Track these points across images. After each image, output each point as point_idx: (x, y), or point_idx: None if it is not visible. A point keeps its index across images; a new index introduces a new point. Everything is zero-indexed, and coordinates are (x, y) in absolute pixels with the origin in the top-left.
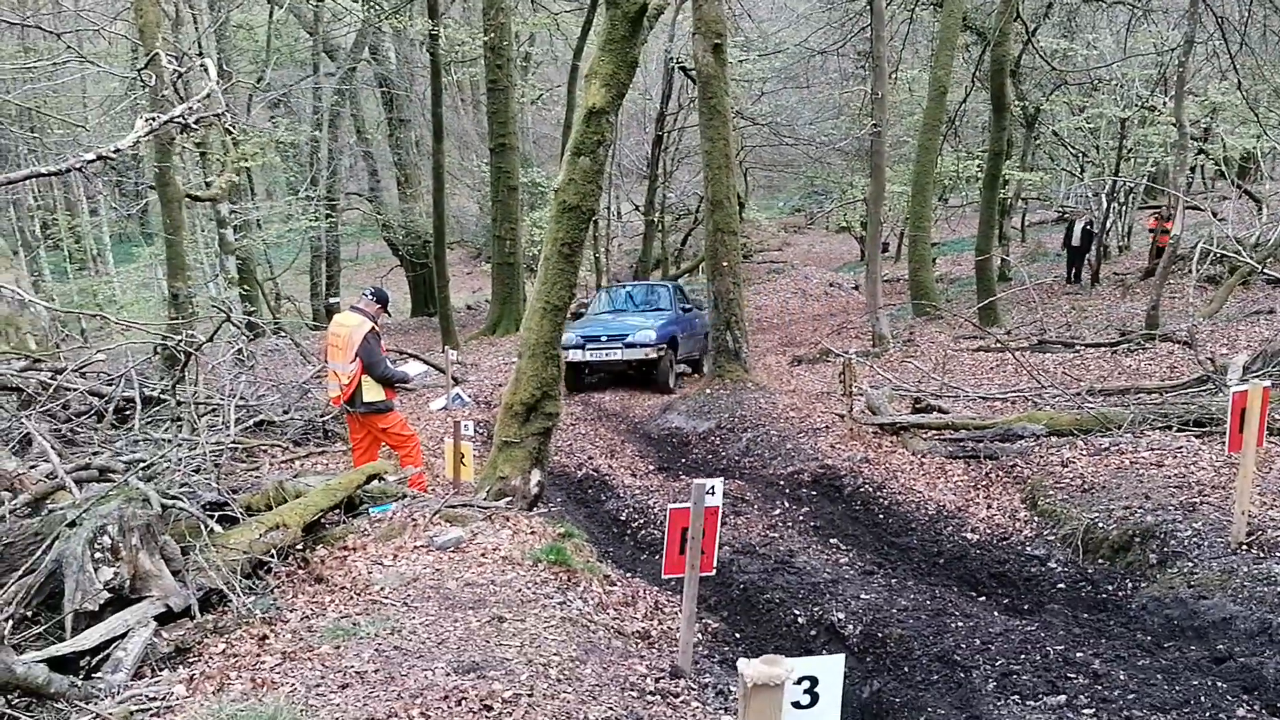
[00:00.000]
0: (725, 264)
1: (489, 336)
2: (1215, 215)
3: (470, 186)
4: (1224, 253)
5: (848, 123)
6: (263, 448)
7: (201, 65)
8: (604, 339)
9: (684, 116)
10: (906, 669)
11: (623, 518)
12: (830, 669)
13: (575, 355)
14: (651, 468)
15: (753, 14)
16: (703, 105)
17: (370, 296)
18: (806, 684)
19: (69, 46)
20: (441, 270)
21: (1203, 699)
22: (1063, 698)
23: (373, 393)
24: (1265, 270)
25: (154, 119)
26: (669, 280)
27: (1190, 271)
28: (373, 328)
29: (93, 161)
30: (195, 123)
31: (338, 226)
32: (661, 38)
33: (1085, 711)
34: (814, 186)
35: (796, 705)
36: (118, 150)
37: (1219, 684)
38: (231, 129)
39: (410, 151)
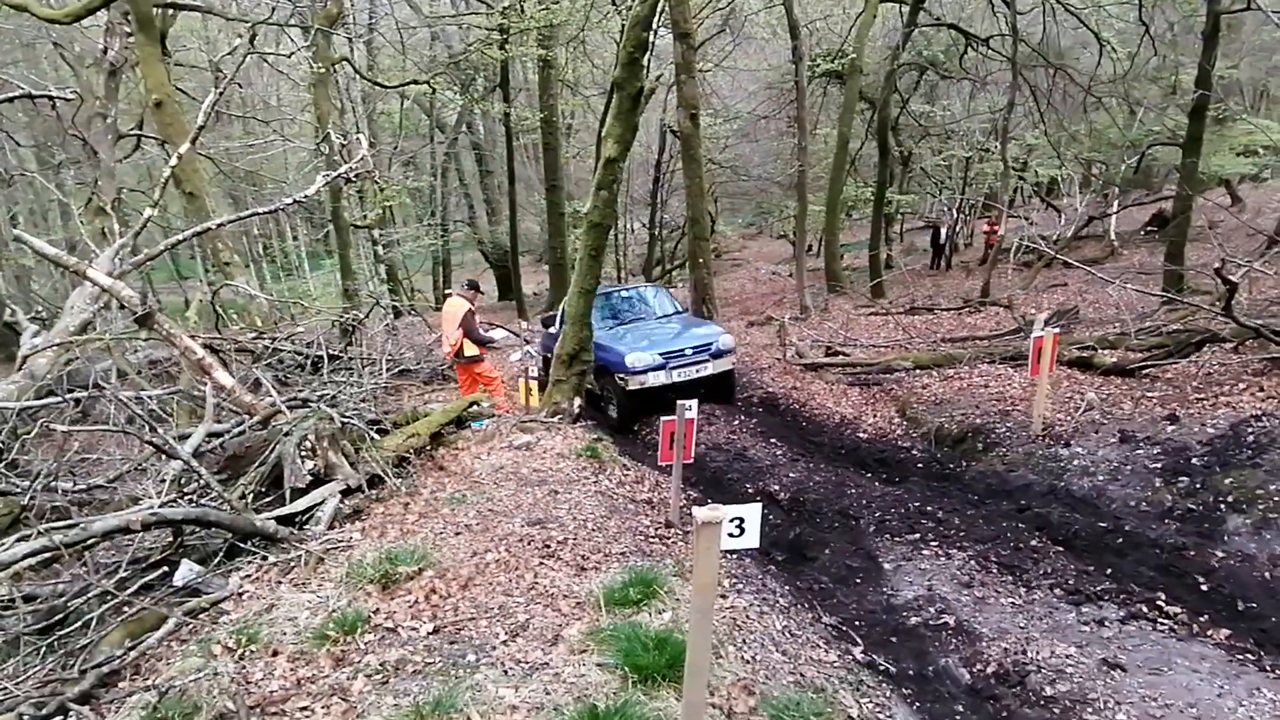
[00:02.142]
0: (701, 260)
1: (548, 312)
2: (1028, 221)
3: (533, 214)
4: (1033, 245)
5: (783, 165)
6: (404, 386)
7: (357, 139)
8: (689, 352)
9: (673, 163)
10: (818, 520)
11: (635, 428)
12: (752, 512)
13: (656, 379)
14: None
15: (719, 93)
16: (684, 156)
17: (466, 287)
18: (737, 521)
19: (274, 130)
20: (515, 270)
21: (1008, 534)
22: (917, 535)
23: (471, 350)
24: (1060, 257)
25: (328, 175)
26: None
27: (1011, 259)
28: (470, 308)
29: (290, 204)
30: (355, 177)
31: (448, 243)
32: (658, 110)
33: (931, 542)
34: (762, 208)
35: (731, 535)
36: (306, 196)
37: (1019, 525)
38: (378, 181)
39: (494, 191)
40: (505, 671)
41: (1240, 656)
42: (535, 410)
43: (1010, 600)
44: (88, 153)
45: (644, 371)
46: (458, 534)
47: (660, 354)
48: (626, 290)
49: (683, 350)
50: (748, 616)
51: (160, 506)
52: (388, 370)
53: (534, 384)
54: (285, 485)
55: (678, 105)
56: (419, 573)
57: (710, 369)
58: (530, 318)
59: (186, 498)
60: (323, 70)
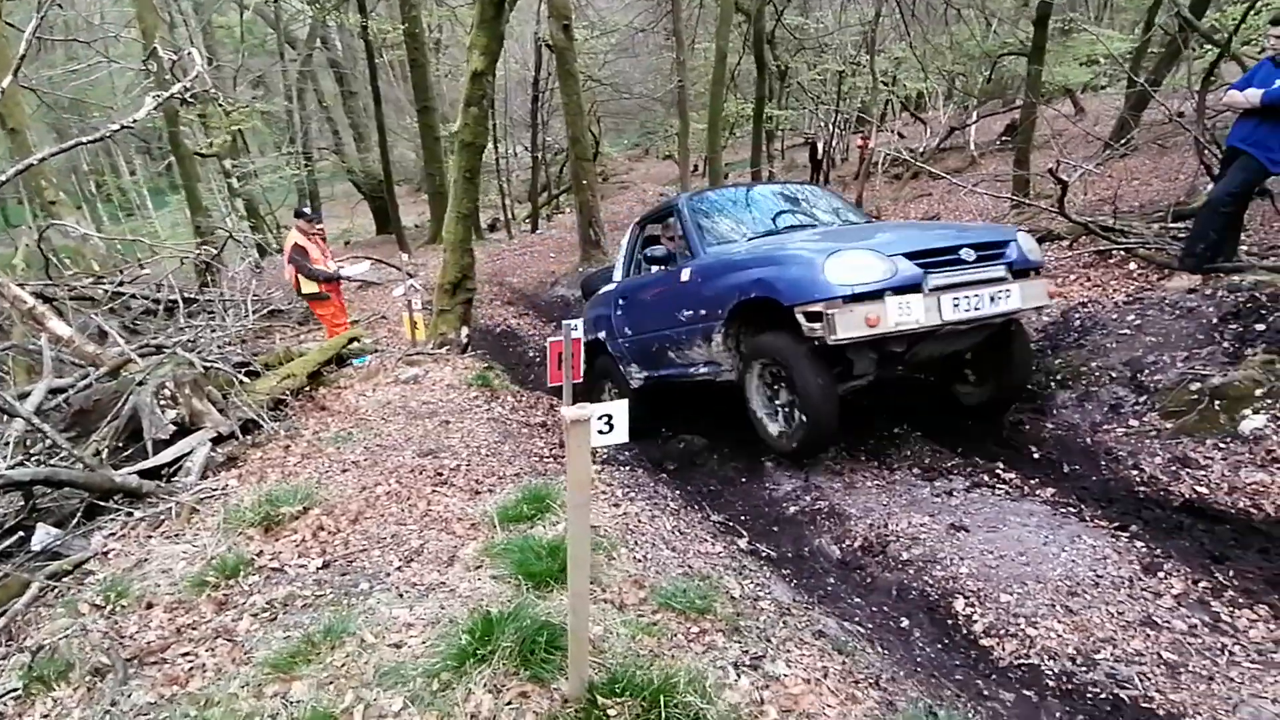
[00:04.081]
0: (585, 182)
1: (432, 245)
2: (899, 134)
3: (407, 139)
4: (903, 157)
5: (663, 81)
6: (275, 327)
7: (189, 55)
8: (968, 255)
9: (552, 81)
10: (708, 429)
11: (529, 356)
12: (620, 408)
13: (905, 310)
14: (544, 322)
15: (594, 3)
16: (560, 71)
17: (295, 216)
18: (606, 418)
19: (98, 52)
20: (392, 200)
21: (876, 426)
22: None
23: (309, 287)
24: (926, 168)
25: (158, 97)
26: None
27: (880, 172)
28: (296, 242)
29: (118, 131)
30: (192, 98)
31: (314, 173)
32: (530, 22)
33: None
34: (646, 128)
35: (601, 432)
36: (135, 121)
37: (886, 416)
38: (220, 102)
39: (360, 115)
40: (400, 594)
41: (1063, 510)
42: (423, 345)
43: (875, 483)
44: None
45: (872, 294)
46: (345, 471)
47: (907, 254)
48: (765, 187)
49: (955, 250)
50: (639, 521)
51: (4, 469)
52: (255, 311)
53: (419, 317)
54: (146, 438)
55: (549, 16)
56: (305, 512)
57: (1015, 297)
58: (413, 251)
59: (34, 458)
60: None
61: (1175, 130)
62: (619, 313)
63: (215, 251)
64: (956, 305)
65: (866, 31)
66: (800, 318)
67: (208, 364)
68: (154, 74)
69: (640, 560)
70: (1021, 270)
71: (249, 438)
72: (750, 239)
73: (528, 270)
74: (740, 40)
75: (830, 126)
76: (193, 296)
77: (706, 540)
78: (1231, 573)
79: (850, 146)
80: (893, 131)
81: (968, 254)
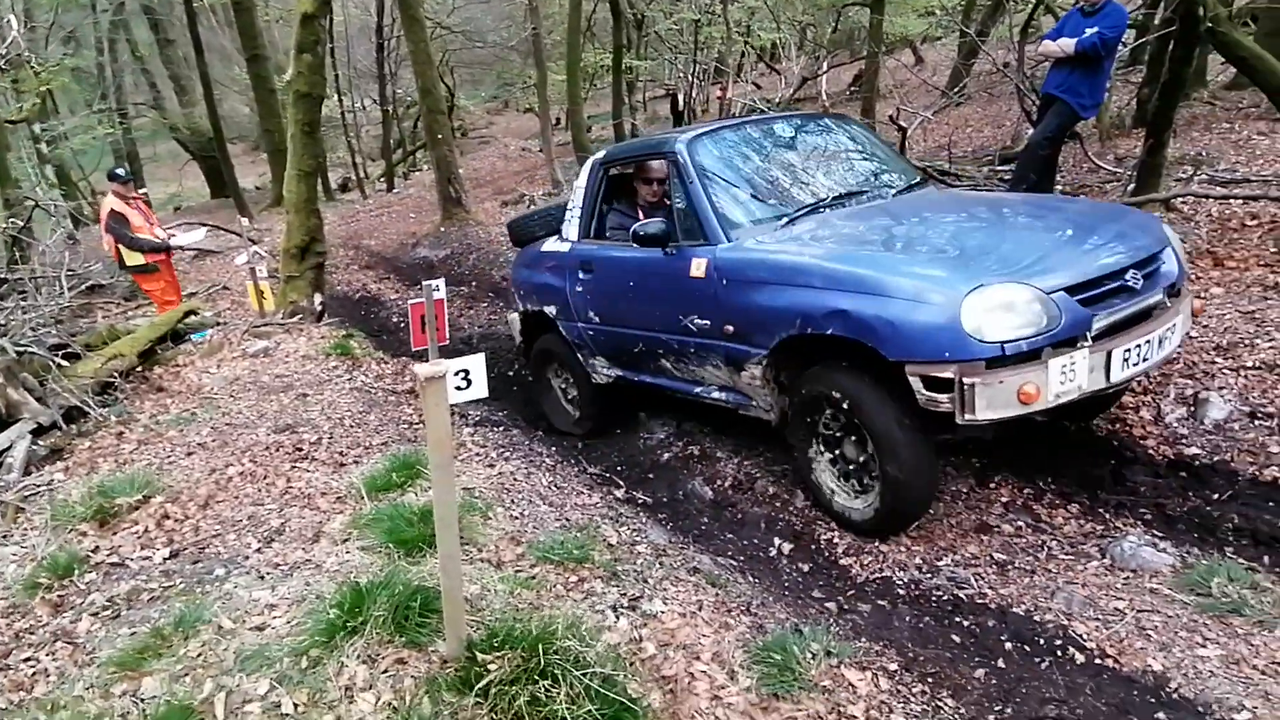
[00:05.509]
0: (440, 136)
1: (276, 208)
2: (755, 85)
3: (238, 92)
4: (759, 108)
5: (518, 29)
6: (97, 304)
7: (7, 22)
8: (1135, 280)
9: (395, 27)
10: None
11: (393, 321)
12: (477, 363)
13: (1067, 376)
14: (407, 285)
15: None
16: (403, 16)
17: (109, 179)
18: (463, 373)
19: None
20: (225, 160)
21: None
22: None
23: (133, 259)
24: None
25: None
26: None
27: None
28: (112, 208)
29: None
30: (7, 65)
31: (131, 131)
32: None
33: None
34: (504, 79)
35: (458, 388)
36: None
37: None
38: (33, 65)
39: (181, 66)
40: (261, 576)
41: None
42: (270, 314)
43: (741, 426)
44: None
45: (1027, 357)
46: (190, 454)
47: (1069, 287)
48: (787, 124)
49: (1122, 275)
50: (515, 479)
51: None
52: (72, 287)
53: (266, 286)
54: None
55: None
56: (145, 501)
57: (1177, 332)
58: (255, 215)
59: None
60: None
61: (1001, 79)
62: (579, 288)
63: (21, 224)
64: (1127, 360)
65: None
66: (915, 381)
67: (20, 349)
68: None
69: (517, 518)
70: (1177, 281)
71: (74, 427)
72: (795, 217)
73: (386, 232)
74: None
75: (690, 77)
76: (2, 276)
77: (583, 492)
78: (1049, 478)
79: (710, 97)
80: (750, 82)
81: (1134, 279)
